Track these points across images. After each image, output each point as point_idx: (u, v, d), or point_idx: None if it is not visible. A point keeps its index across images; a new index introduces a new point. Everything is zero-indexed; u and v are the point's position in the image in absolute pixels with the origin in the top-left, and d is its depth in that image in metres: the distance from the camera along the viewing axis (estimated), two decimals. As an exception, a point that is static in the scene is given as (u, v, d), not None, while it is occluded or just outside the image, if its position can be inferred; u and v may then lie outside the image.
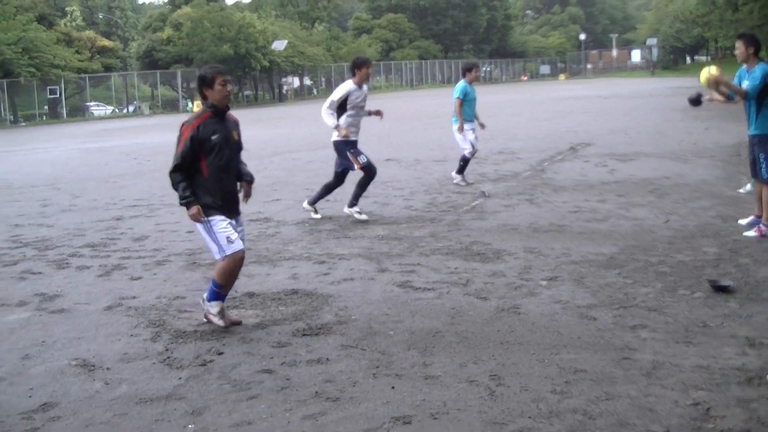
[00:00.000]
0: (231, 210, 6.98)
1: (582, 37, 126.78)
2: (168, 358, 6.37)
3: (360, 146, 12.07)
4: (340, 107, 11.72)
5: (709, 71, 9.89)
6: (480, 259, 9.17)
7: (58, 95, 64.74)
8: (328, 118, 11.69)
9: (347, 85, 11.76)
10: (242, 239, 7.04)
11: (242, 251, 6.90)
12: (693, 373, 5.59)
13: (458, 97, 14.72)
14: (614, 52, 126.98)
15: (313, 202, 12.44)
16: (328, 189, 12.34)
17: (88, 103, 70.09)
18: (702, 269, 8.34)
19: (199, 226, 6.94)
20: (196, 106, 67.19)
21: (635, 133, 24.40)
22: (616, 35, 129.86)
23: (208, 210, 6.82)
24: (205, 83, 6.90)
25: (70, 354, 6.55)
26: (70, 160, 25.79)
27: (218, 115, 6.92)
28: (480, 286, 8.04)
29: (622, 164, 17.20)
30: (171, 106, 73.56)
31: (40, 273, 9.52)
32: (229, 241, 6.79)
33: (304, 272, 8.93)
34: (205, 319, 7.13)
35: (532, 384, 5.51)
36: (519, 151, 20.70)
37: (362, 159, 11.78)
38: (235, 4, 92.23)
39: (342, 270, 8.97)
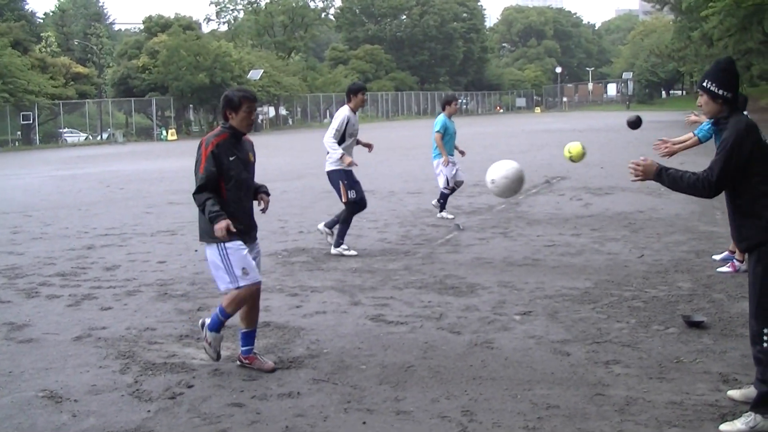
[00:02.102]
0: (250, 234, 6.77)
1: (558, 70, 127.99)
2: (137, 390, 6.30)
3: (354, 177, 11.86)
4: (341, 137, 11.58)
5: (570, 151, 10.06)
6: (454, 293, 9.17)
7: (31, 121, 64.36)
8: (333, 147, 11.50)
9: (344, 111, 11.62)
10: (258, 265, 6.82)
11: (259, 283, 6.67)
12: (666, 409, 5.60)
13: (438, 131, 14.61)
14: (590, 86, 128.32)
15: (338, 246, 12.00)
16: (343, 231, 11.97)
17: (61, 130, 69.67)
18: (676, 304, 8.38)
19: (212, 252, 6.58)
20: (171, 134, 67.20)
21: (610, 166, 24.57)
22: (592, 69, 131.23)
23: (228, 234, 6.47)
24: (231, 106, 6.61)
25: (37, 385, 6.47)
26: (42, 187, 25.63)
27: (236, 137, 6.66)
28: (453, 320, 8.03)
29: (596, 198, 17.31)
30: (145, 134, 73.39)
31: (8, 302, 9.43)
32: (245, 272, 6.50)
33: (276, 305, 8.89)
34: (206, 344, 6.81)
35: (505, 420, 5.50)
36: (494, 184, 20.71)
37: (351, 195, 11.54)
38: (212, 33, 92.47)
39: (314, 303, 8.94)
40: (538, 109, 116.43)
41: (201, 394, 6.18)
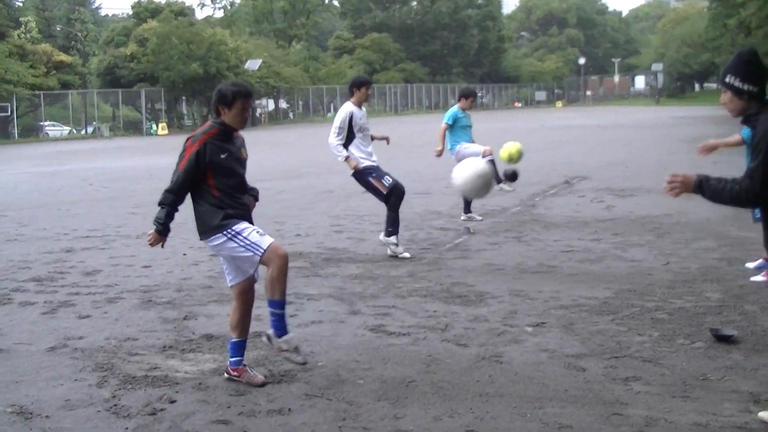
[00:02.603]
0: (245, 218, 6.75)
1: (581, 61, 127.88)
2: (115, 405, 6.29)
3: (381, 167, 11.93)
4: (348, 134, 11.66)
5: (509, 151, 10.23)
6: (461, 302, 9.17)
7: (9, 113, 64.52)
8: (337, 150, 11.62)
9: (347, 107, 11.72)
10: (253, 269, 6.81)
11: (278, 244, 6.63)
12: (690, 431, 5.57)
13: (446, 122, 14.68)
14: (616, 78, 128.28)
15: (389, 235, 12.01)
16: (394, 218, 12.00)
17: (42, 123, 69.85)
18: (703, 317, 8.35)
19: (220, 243, 6.60)
20: (161, 129, 67.34)
21: (636, 166, 24.56)
22: (619, 60, 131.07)
23: (226, 221, 6.56)
24: (224, 101, 6.62)
25: (6, 400, 6.46)
26: (19, 185, 25.71)
27: (226, 134, 6.70)
28: (460, 331, 8.02)
29: (620, 200, 17.29)
30: (133, 128, 73.52)
31: (-22, 309, 9.45)
32: (260, 233, 6.57)
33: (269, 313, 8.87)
34: (282, 351, 6.84)
35: (513, 441, 5.49)
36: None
37: (387, 180, 11.71)
38: (206, 20, 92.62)
39: (310, 312, 8.94)
40: (559, 104, 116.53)
41: (184, 410, 6.17)
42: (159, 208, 6.69)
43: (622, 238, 12.94)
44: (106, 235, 14.85)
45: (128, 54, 72.93)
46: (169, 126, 70.77)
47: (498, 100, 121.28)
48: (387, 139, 12.61)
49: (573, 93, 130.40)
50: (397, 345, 7.64)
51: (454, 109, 14.87)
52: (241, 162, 6.79)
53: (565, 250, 12.10)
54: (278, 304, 6.71)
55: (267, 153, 36.90)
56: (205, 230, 6.65)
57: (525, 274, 10.59)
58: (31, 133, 68.61)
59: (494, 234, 13.66)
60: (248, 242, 6.53)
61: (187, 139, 6.64)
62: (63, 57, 73.89)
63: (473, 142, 14.96)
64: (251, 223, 6.77)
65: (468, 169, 10.10)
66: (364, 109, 11.91)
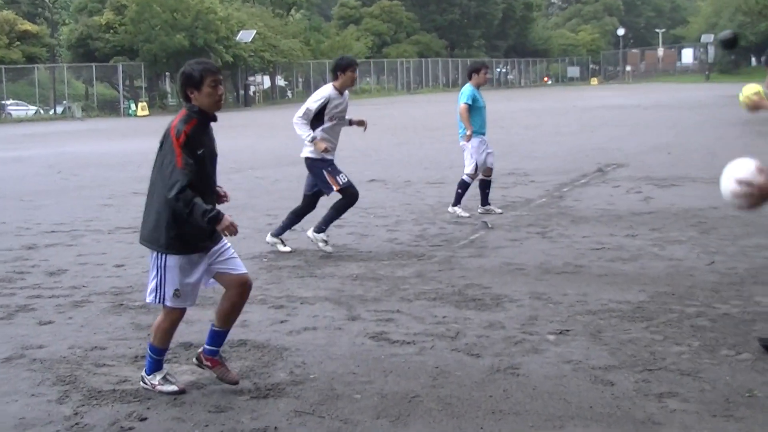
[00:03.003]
0: (211, 238, 6.77)
1: (620, 32, 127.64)
2: (77, 424, 6.33)
3: (338, 165, 12.16)
4: (316, 117, 11.82)
5: (748, 93, 9.89)
6: (475, 306, 9.19)
7: (-33, 91, 64.69)
8: (302, 129, 11.80)
9: (326, 90, 11.89)
10: (236, 267, 6.94)
11: (184, 310, 6.88)
12: (730, 454, 5.59)
13: (465, 102, 14.66)
14: (660, 52, 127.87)
15: (278, 233, 12.53)
16: (296, 216, 12.52)
17: (4, 102, 69.88)
18: (752, 324, 8.34)
19: (153, 260, 6.74)
20: (141, 109, 67.40)
21: (680, 152, 24.56)
22: (663, 30, 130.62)
23: (174, 244, 6.59)
24: (190, 82, 6.62)
25: (-46, 417, 6.50)
26: (-23, 173, 25.80)
27: (204, 124, 6.70)
28: (472, 339, 8.04)
29: (660, 191, 17.29)
30: (109, 108, 73.70)
31: (-74, 314, 9.50)
32: (177, 295, 6.67)
33: (256, 319, 8.92)
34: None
35: (528, 464, 5.50)
36: (533, 173, 20.86)
37: (341, 179, 11.88)
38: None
39: (303, 317, 8.97)
40: (594, 81, 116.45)
41: (156, 429, 6.20)
42: (190, 211, 6.43)
43: (661, 233, 12.94)
44: (75, 229, 14.89)
45: (103, 23, 72.90)
46: (150, 106, 70.78)
47: (525, 76, 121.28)
48: (364, 124, 12.61)
49: (610, 68, 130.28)
50: (400, 355, 7.66)
51: (468, 87, 14.85)
52: (213, 158, 6.83)
53: (595, 247, 12.10)
54: (159, 352, 6.95)
55: (261, 137, 36.95)
56: (151, 239, 6.73)
57: (548, 274, 10.60)
58: (-8, 113, 68.74)
59: (515, 229, 13.68)
60: (162, 288, 6.74)
61: (170, 132, 6.57)
62: (28, 26, 73.92)
63: (485, 127, 14.97)
64: (214, 238, 6.79)
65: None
66: (347, 94, 12.01)
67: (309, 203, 12.40)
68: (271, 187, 19.86)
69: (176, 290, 6.69)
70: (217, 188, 6.98)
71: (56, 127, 54.02)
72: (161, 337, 6.88)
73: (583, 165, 22.15)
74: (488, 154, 14.97)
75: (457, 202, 15.10)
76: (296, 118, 11.83)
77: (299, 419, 6.30)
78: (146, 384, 6.89)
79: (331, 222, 12.26)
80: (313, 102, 11.79)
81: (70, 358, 7.84)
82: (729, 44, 9.90)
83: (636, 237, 12.74)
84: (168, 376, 6.89)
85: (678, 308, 8.92)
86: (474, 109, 14.68)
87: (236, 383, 6.88)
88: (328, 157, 11.91)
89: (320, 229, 12.15)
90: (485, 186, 15.29)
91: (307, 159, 12.03)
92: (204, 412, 6.47)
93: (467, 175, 14.88)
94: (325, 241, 12.13)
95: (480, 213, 15.08)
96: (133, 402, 6.72)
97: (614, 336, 8.05)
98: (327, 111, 11.79)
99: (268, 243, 12.52)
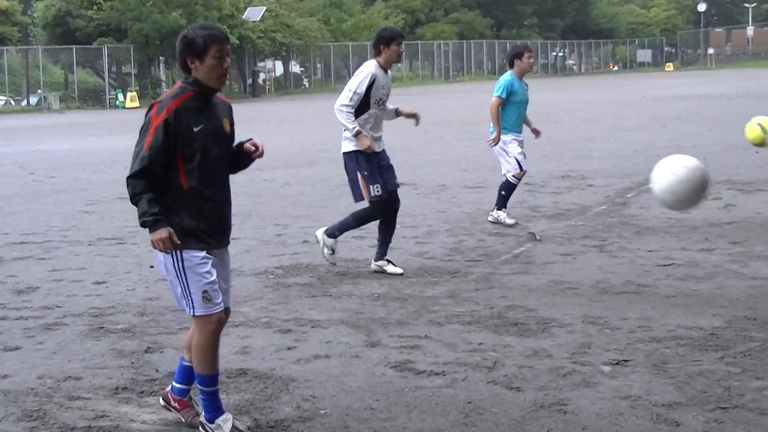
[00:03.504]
0: (221, 236, 6.82)
1: (701, 7, 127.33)
2: (45, 465, 6.43)
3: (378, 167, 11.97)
4: (362, 102, 11.66)
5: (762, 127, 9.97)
6: (517, 332, 9.25)
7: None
8: (347, 119, 11.61)
9: (370, 67, 11.73)
10: (225, 281, 6.93)
11: (221, 312, 6.71)
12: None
13: (498, 95, 14.75)
14: (749, 31, 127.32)
15: (380, 257, 12.31)
16: (385, 224, 12.26)
17: (-32, 91, 70.61)
18: None
19: (164, 264, 6.67)
20: (130, 99, 67.73)
21: (770, 151, 24.49)
22: (753, 5, 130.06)
23: (187, 239, 6.55)
24: (192, 50, 6.56)
25: None
26: (-64, 175, 26.03)
27: (204, 98, 6.66)
28: (513, 370, 8.10)
29: (743, 197, 17.30)
30: (93, 98, 74.16)
31: None
32: (206, 298, 6.60)
33: (260, 345, 8.99)
34: None
35: None
36: (592, 176, 20.92)
37: (375, 190, 11.74)
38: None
39: (314, 343, 9.05)
40: (669, 66, 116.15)
41: (137, 473, 6.29)
42: (135, 202, 6.51)
43: (743, 248, 12.95)
44: (48, 240, 15.05)
45: (85, -1, 73.33)
46: (141, 96, 71.13)
47: (586, 61, 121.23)
48: (417, 117, 12.53)
49: (689, 52, 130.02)
50: (427, 388, 7.72)
51: (507, 76, 14.89)
52: (221, 138, 6.78)
53: (662, 263, 12.14)
54: (205, 380, 6.78)
55: (271, 133, 37.10)
56: None
57: (606, 295, 10.66)
58: (-45, 104, 69.27)
59: (568, 242, 13.75)
60: (188, 293, 6.62)
61: (151, 107, 6.58)
62: None
63: (527, 120, 14.98)
64: (225, 239, 6.85)
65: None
66: (390, 74, 11.95)
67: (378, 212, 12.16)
68: (281, 192, 19.98)
69: (204, 291, 6.60)
70: (250, 145, 6.94)
71: (29, 121, 54.41)
72: (203, 359, 6.71)
73: (653, 166, 21.93)
74: (522, 154, 14.95)
75: (502, 205, 15.14)
76: (339, 104, 11.60)
77: (306, 462, 6.39)
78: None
79: (347, 230, 12.29)
80: (358, 82, 11.58)
81: (39, 389, 7.92)
82: None
83: (712, 251, 12.75)
84: (236, 428, 6.76)
85: (760, 336, 8.93)
86: (510, 103, 14.72)
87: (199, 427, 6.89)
88: (376, 149, 11.80)
89: (333, 234, 12.15)
90: (512, 189, 15.28)
91: (345, 155, 11.91)
92: (195, 453, 6.57)
93: (512, 175, 14.89)
94: (332, 250, 12.14)
95: (491, 221, 15.22)
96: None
97: (682, 368, 8.07)
98: (373, 92, 11.64)
99: (378, 269, 12.19)
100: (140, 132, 6.52)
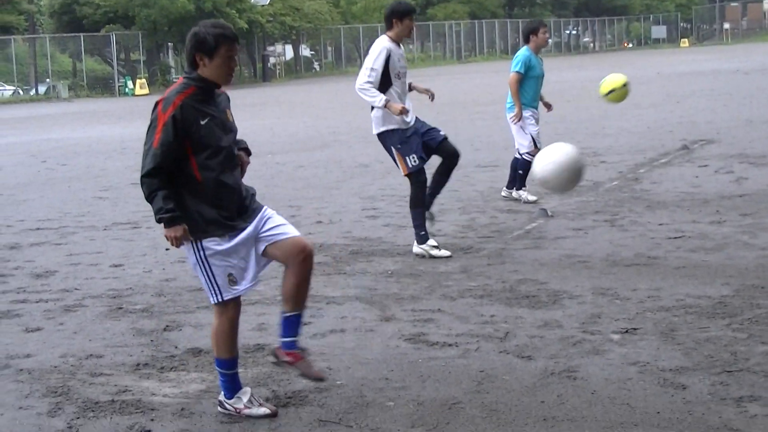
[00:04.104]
0: (243, 215, 6.95)
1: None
2: (72, 439, 6.68)
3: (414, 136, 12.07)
4: (383, 79, 11.78)
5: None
6: (528, 304, 9.51)
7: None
8: (371, 95, 11.69)
9: (383, 42, 11.86)
10: (285, 231, 7.09)
11: (239, 298, 6.97)
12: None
13: (517, 71, 14.91)
14: (766, 5, 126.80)
15: (428, 208, 12.50)
16: (441, 176, 12.53)
17: (-25, 80, 70.62)
18: None
19: (189, 253, 6.92)
20: (139, 87, 67.77)
21: (785, 124, 24.66)
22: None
23: (210, 227, 6.78)
24: (203, 48, 6.76)
25: (-67, 433, 6.87)
26: (-52, 165, 26.27)
27: (207, 92, 6.86)
28: (524, 340, 8.36)
29: (756, 170, 17.46)
30: (102, 86, 74.06)
31: None
32: (232, 280, 6.85)
33: (276, 321, 9.02)
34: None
35: (583, 475, 5.79)
36: (605, 152, 21.13)
37: (411, 162, 11.90)
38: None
39: (330, 318, 9.33)
40: (685, 42, 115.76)
41: (161, 443, 6.55)
42: (150, 200, 6.72)
43: (754, 219, 13.16)
44: (64, 226, 15.33)
45: (93, -14, 73.24)
46: (150, 83, 71.15)
47: (600, 39, 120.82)
48: (431, 94, 12.69)
49: (705, 27, 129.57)
50: (440, 358, 7.99)
51: (525, 51, 15.05)
52: (227, 128, 6.98)
53: (673, 236, 12.36)
54: (223, 363, 7.00)
55: (282, 117, 37.23)
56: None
57: (616, 267, 10.89)
58: (-38, 93, 69.27)
59: (580, 217, 13.99)
60: (213, 282, 6.85)
61: (157, 104, 6.79)
62: None
63: (541, 95, 15.19)
64: (245, 217, 6.96)
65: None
66: (402, 48, 12.14)
67: (443, 159, 12.33)
68: (294, 174, 20.20)
69: (229, 274, 6.83)
70: (239, 155, 7.11)
71: (39, 110, 54.53)
72: (224, 344, 6.96)
73: (665, 142, 22.30)
74: (537, 131, 15.19)
75: (522, 184, 15.39)
76: (360, 83, 11.74)
77: (323, 429, 6.64)
78: (228, 409, 7.02)
79: (423, 222, 12.19)
80: (375, 59, 11.73)
81: (62, 367, 8.21)
82: None
83: (723, 224, 12.95)
84: (253, 398, 7.01)
85: (767, 303, 9.17)
86: (528, 78, 14.90)
87: (322, 380, 7.22)
88: (405, 126, 11.87)
89: (420, 238, 12.11)
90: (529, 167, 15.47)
91: (379, 136, 12.06)
92: (215, 423, 6.83)
93: (526, 153, 15.09)
94: (436, 246, 12.09)
95: (504, 197, 15.52)
96: (134, 413, 7.07)
97: (689, 335, 8.32)
98: (392, 67, 11.79)
99: (417, 252, 12.22)
100: (148, 130, 6.73)
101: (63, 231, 14.88)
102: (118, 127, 36.91)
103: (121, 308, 10.11)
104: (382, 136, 12.01)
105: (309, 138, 27.68)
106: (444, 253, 11.95)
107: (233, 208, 6.88)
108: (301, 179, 19.42)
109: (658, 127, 25.74)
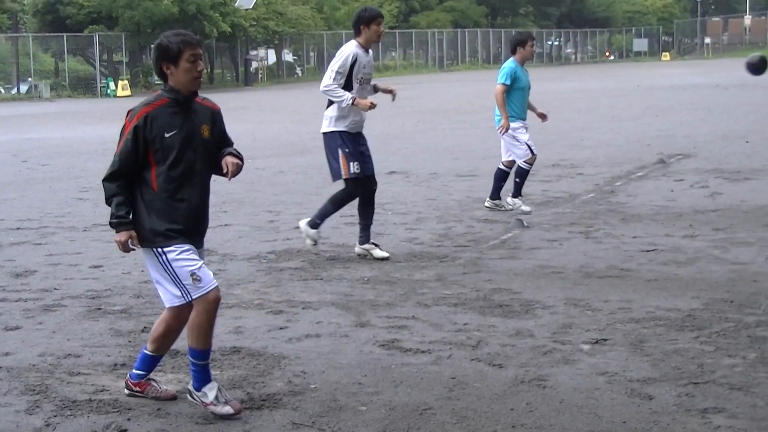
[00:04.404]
0: (193, 238, 7.11)
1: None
2: (49, 436, 6.77)
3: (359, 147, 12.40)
4: (345, 83, 12.07)
5: None
6: (501, 313, 9.64)
7: None
8: (336, 93, 11.98)
9: (350, 47, 12.16)
10: None
11: (216, 288, 7.02)
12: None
13: (503, 83, 15.10)
14: (747, 20, 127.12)
15: (365, 240, 12.64)
16: (329, 212, 12.71)
17: (-43, 79, 70.48)
18: (819, 336, 8.71)
19: (150, 259, 7.06)
20: (121, 88, 67.73)
21: (761, 140, 24.84)
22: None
23: (158, 238, 6.92)
24: (167, 56, 6.95)
25: None
26: (-71, 162, 26.31)
27: (180, 104, 7.01)
28: (495, 348, 8.49)
29: (730, 185, 17.65)
30: (84, 86, 74.04)
31: None
32: (195, 278, 6.92)
33: (252, 325, 9.38)
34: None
35: (549, 481, 5.92)
36: (583, 164, 21.29)
37: (354, 168, 12.19)
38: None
39: (305, 323, 9.44)
40: (666, 55, 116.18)
41: (136, 442, 6.65)
42: (108, 204, 7.00)
43: (726, 234, 13.31)
44: (44, 226, 15.43)
45: (77, -15, 73.16)
46: (132, 84, 71.11)
47: (582, 50, 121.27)
48: (393, 93, 12.88)
49: (686, 41, 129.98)
50: (413, 365, 8.11)
51: (511, 63, 15.25)
52: (197, 144, 7.07)
53: (646, 249, 12.51)
54: (198, 354, 7.12)
55: (263, 121, 37.38)
56: (146, 237, 7.00)
57: (589, 279, 11.03)
58: (-56, 92, 69.16)
59: (555, 228, 14.12)
60: (178, 281, 6.96)
61: (127, 113, 7.01)
62: None
63: (532, 106, 15.34)
64: (195, 241, 7.13)
65: None
66: (371, 53, 12.37)
67: (363, 190, 12.59)
68: (274, 179, 20.31)
69: (192, 273, 6.92)
70: (227, 159, 7.18)
71: (20, 109, 54.56)
72: (198, 335, 7.04)
73: (643, 155, 22.47)
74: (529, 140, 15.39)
75: (518, 193, 15.57)
76: (324, 86, 12.04)
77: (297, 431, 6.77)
78: (194, 400, 7.15)
79: (327, 216, 12.60)
80: (340, 62, 12.04)
81: (41, 366, 8.30)
82: (758, 69, 10.35)
83: (696, 237, 13.11)
84: (220, 394, 7.10)
85: (735, 317, 9.31)
86: (514, 90, 15.10)
87: (174, 398, 7.36)
88: (354, 130, 12.23)
89: (314, 223, 12.51)
90: (503, 177, 15.73)
91: (326, 135, 12.33)
92: (191, 424, 6.92)
93: (524, 161, 15.27)
94: (315, 241, 12.52)
95: (487, 207, 15.66)
96: (111, 413, 7.17)
97: (658, 346, 8.46)
98: (355, 71, 12.07)
99: (364, 253, 12.56)
100: (119, 136, 6.97)
101: (43, 231, 14.97)
102: (100, 128, 36.93)
103: (99, 309, 10.20)
104: (331, 136, 12.30)
105: (290, 143, 27.79)
106: (312, 249, 12.54)
107: (188, 225, 7.00)
108: (281, 184, 19.53)
109: (636, 140, 25.93)
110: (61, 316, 9.94)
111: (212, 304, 7.02)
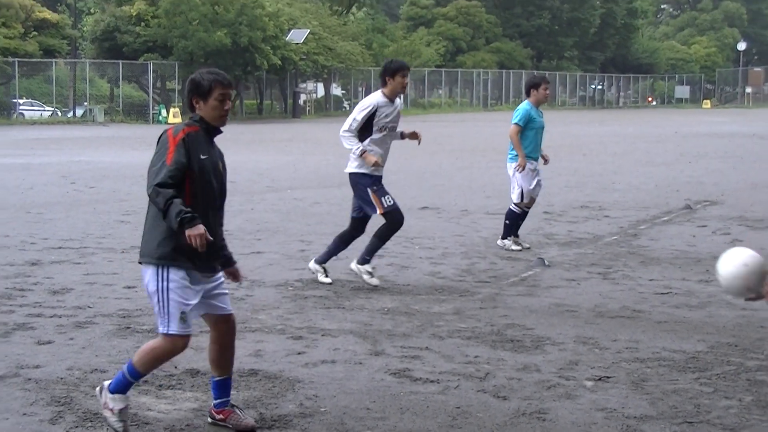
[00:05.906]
0: (210, 263, 7.25)
1: (741, 46, 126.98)
2: (68, 445, 7.02)
3: (386, 185, 12.77)
4: (364, 127, 12.48)
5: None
6: (512, 348, 9.81)
7: (-27, 86, 65.69)
8: (350, 142, 12.50)
9: (373, 98, 12.53)
10: (225, 303, 7.44)
11: (189, 338, 7.20)
12: None
13: (516, 123, 15.37)
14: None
15: (322, 261, 13.08)
16: (342, 242, 13.07)
17: (16, 100, 70.80)
18: (817, 382, 8.83)
19: (150, 275, 7.15)
20: (173, 115, 68.18)
21: (790, 189, 24.93)
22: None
23: (178, 255, 7.01)
24: (198, 92, 7.20)
25: (-59, 432, 7.22)
26: (-19, 180, 26.70)
27: (208, 133, 7.27)
28: (502, 381, 8.67)
29: (752, 233, 17.72)
30: (137, 112, 74.62)
31: None
32: (183, 319, 7.09)
33: (272, 349, 9.61)
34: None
35: (535, 507, 6.10)
36: (610, 207, 21.41)
37: (387, 201, 12.47)
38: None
39: (322, 349, 9.66)
40: (707, 103, 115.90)
41: (150, 455, 6.88)
42: (165, 208, 6.85)
43: (741, 280, 13.37)
44: (85, 246, 15.71)
45: (134, 14, 73.56)
46: (183, 112, 71.01)
47: (624, 95, 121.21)
48: (418, 137, 13.18)
49: (728, 89, 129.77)
50: (420, 393, 8.31)
51: (525, 105, 15.59)
52: (219, 174, 7.32)
53: (660, 291, 12.66)
54: (134, 374, 7.28)
55: (306, 153, 37.62)
56: (150, 252, 7.15)
57: (601, 318, 11.20)
58: (1, 112, 69.57)
59: (575, 268, 14.28)
60: (167, 311, 7.11)
61: (166, 131, 7.17)
62: (47, 14, 73.86)
63: (538, 151, 15.57)
64: (211, 266, 7.28)
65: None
66: (399, 102, 12.67)
67: (356, 227, 12.97)
68: (309, 210, 20.51)
69: (182, 312, 7.09)
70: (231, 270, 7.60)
71: (74, 132, 55.13)
72: (149, 363, 7.26)
73: (670, 200, 22.55)
74: (537, 182, 15.68)
75: (507, 234, 15.80)
76: (342, 131, 12.55)
77: (303, 452, 6.97)
78: (100, 397, 7.32)
79: (375, 251, 12.84)
80: (360, 111, 12.45)
81: (68, 379, 8.57)
82: None
83: (710, 282, 13.14)
84: (124, 412, 7.22)
85: (737, 360, 9.45)
86: (528, 130, 15.39)
87: (253, 430, 7.40)
88: (376, 173, 12.53)
89: (364, 260, 12.74)
90: (521, 216, 15.96)
91: (351, 175, 12.65)
92: (204, 440, 7.16)
93: (514, 204, 15.53)
94: (370, 273, 12.71)
95: (499, 244, 15.84)
96: (130, 426, 7.37)
97: (658, 386, 8.61)
98: (376, 120, 12.41)
99: (310, 270, 13.13)
100: (157, 153, 7.06)
101: (83, 251, 15.25)
102: (147, 154, 36.66)
103: (129, 328, 10.45)
104: (355, 176, 12.61)
105: (329, 175, 28.06)
106: (374, 281, 12.64)
107: (203, 251, 6.99)
108: (315, 215, 19.75)
109: (666, 185, 26.03)
110: (92, 333, 10.20)
111: (179, 349, 7.25)
